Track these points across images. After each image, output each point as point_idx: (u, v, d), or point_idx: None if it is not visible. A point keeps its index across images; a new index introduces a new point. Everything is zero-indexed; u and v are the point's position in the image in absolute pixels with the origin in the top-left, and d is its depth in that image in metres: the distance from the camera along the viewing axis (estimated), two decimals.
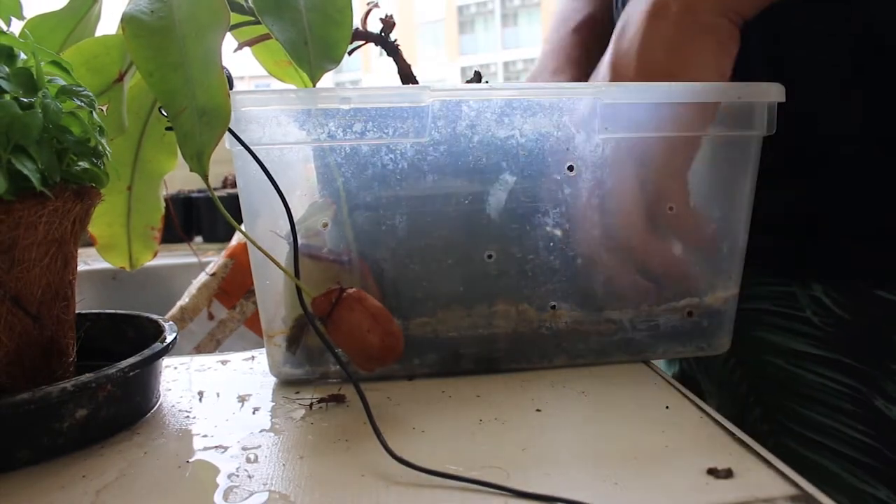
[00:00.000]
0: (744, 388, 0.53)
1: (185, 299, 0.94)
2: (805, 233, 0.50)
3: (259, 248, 0.36)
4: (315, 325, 0.36)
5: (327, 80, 0.40)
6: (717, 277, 0.45)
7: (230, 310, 0.94)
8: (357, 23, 0.43)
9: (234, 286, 0.94)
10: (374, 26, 0.47)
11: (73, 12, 0.41)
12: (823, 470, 0.48)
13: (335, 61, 0.39)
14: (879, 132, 0.46)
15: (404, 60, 0.47)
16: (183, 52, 0.34)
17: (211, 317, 0.94)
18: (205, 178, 0.34)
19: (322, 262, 0.41)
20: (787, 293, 0.50)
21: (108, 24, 0.42)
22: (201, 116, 0.33)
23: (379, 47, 0.47)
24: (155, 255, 0.49)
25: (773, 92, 0.42)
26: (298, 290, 0.36)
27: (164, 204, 0.48)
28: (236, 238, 0.97)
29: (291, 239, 0.38)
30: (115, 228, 0.47)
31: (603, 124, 0.41)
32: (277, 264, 0.36)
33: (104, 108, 0.39)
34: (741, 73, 0.51)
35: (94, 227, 0.46)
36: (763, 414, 0.51)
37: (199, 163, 0.33)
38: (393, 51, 0.46)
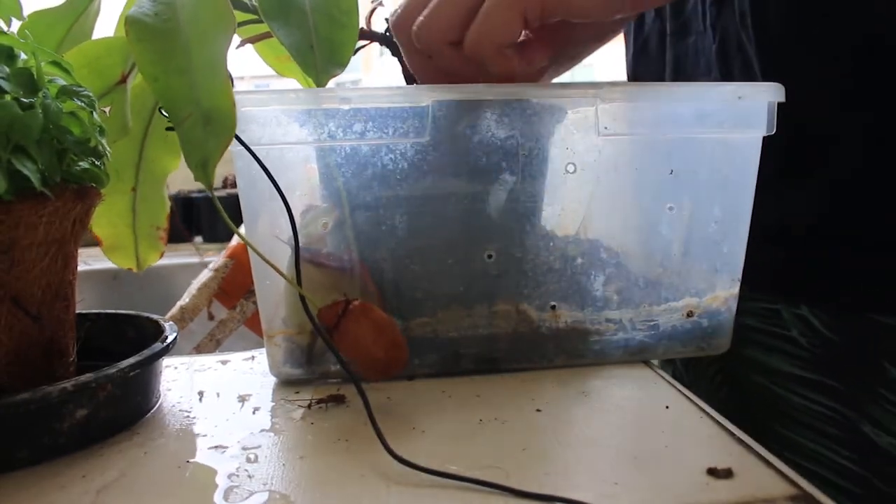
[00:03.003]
0: (729, 407, 0.52)
1: (184, 299, 0.93)
2: (795, 246, 0.49)
3: (259, 255, 0.36)
4: (322, 334, 0.36)
5: None
6: (718, 277, 0.45)
7: (230, 310, 0.94)
8: (361, 22, 0.43)
9: (235, 286, 0.93)
10: (378, 25, 0.47)
11: (72, 8, 0.41)
12: None
13: (342, 65, 0.39)
14: (880, 134, 0.46)
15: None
16: (188, 56, 0.33)
17: (211, 317, 0.93)
18: (209, 186, 0.33)
19: (323, 267, 0.41)
20: (772, 311, 0.49)
21: (107, 20, 0.42)
22: (206, 124, 0.33)
23: (382, 46, 0.47)
24: (161, 255, 0.48)
25: (773, 92, 0.42)
26: (302, 297, 0.36)
27: (168, 203, 0.48)
28: (236, 238, 0.97)
29: (293, 243, 0.37)
30: (120, 229, 0.47)
31: (603, 124, 0.41)
32: (278, 271, 0.36)
33: (107, 110, 0.39)
34: (741, 71, 0.51)
35: (100, 229, 0.46)
36: (748, 435, 0.51)
37: (204, 172, 0.33)
38: (397, 51, 0.46)
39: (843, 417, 0.46)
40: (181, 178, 1.97)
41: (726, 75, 0.52)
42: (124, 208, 0.46)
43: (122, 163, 0.44)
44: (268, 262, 0.35)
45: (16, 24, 0.37)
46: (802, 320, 0.47)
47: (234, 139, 0.37)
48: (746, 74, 0.50)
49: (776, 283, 0.50)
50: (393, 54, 0.47)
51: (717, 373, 0.53)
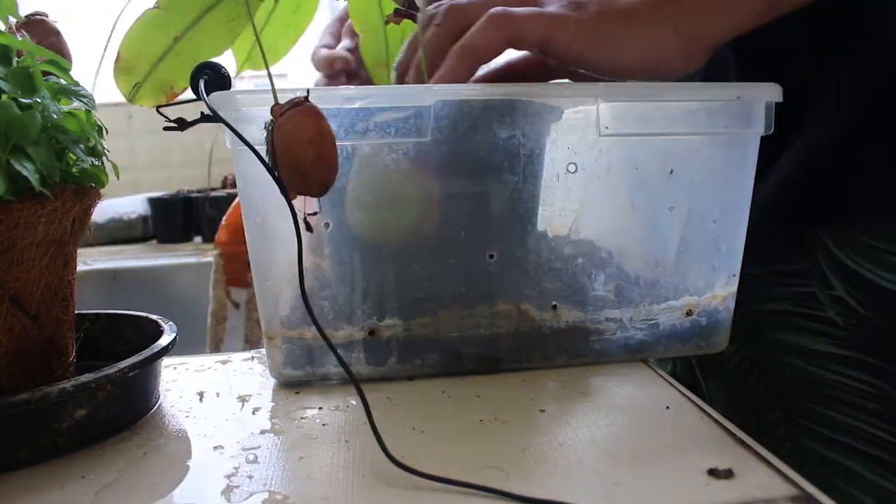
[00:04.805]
0: (758, 392, 0.52)
1: (210, 304, 0.96)
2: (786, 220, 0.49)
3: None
4: (323, 335, 0.35)
5: None
6: (716, 276, 0.45)
7: (248, 288, 0.95)
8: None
9: (236, 269, 0.94)
10: None
11: None
12: (846, 470, 0.47)
13: None
14: (856, 96, 0.46)
15: None
16: None
17: (236, 305, 0.95)
18: None
19: None
20: (807, 294, 0.50)
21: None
22: None
23: None
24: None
25: (771, 91, 0.42)
26: (304, 296, 0.36)
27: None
28: (220, 231, 0.99)
29: (298, 238, 0.37)
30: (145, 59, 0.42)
31: (604, 123, 0.41)
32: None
33: None
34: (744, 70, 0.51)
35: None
36: (782, 416, 0.51)
37: None
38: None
39: (881, 392, 0.47)
40: (181, 179, 1.97)
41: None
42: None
43: None
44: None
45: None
46: (839, 301, 0.48)
47: (236, 137, 0.37)
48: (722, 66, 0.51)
49: (779, 258, 0.50)
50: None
51: (742, 360, 0.53)
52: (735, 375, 0.54)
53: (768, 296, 0.50)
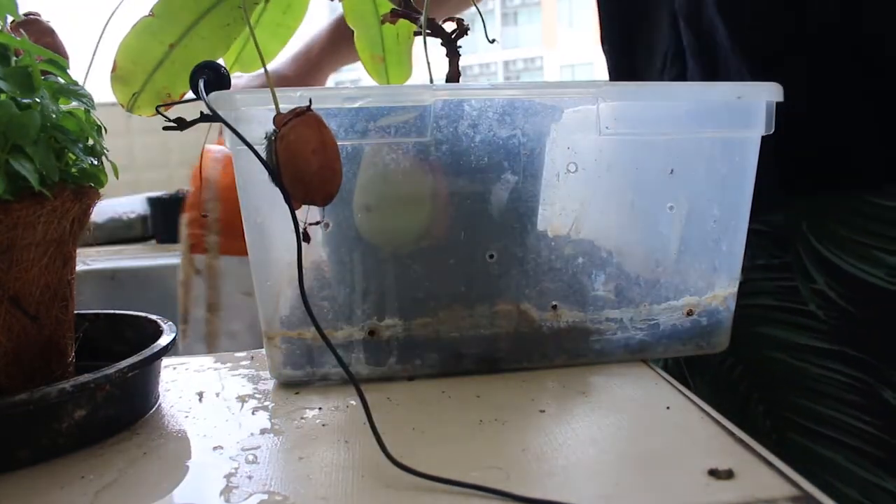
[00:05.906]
0: (744, 386, 0.53)
1: (180, 275, 0.95)
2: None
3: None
4: (323, 334, 0.36)
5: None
6: (717, 276, 0.45)
7: (206, 254, 0.94)
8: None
9: (196, 234, 0.94)
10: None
11: None
12: (830, 463, 0.48)
13: None
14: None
15: (457, 66, 0.46)
16: None
17: (197, 272, 0.94)
18: None
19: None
20: (790, 288, 0.50)
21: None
22: None
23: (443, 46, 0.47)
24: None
25: (771, 91, 0.42)
26: (304, 296, 0.36)
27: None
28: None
29: (301, 236, 0.37)
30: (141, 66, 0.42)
31: (604, 124, 0.41)
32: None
33: None
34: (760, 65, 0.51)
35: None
36: (766, 410, 0.51)
37: None
38: (453, 53, 0.46)
39: (863, 384, 0.47)
40: (180, 178, 1.97)
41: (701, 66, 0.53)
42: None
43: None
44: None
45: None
46: (820, 294, 0.48)
47: (235, 136, 0.37)
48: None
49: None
50: (447, 55, 0.46)
51: (727, 355, 0.54)
52: (721, 370, 0.55)
53: (753, 290, 0.51)
